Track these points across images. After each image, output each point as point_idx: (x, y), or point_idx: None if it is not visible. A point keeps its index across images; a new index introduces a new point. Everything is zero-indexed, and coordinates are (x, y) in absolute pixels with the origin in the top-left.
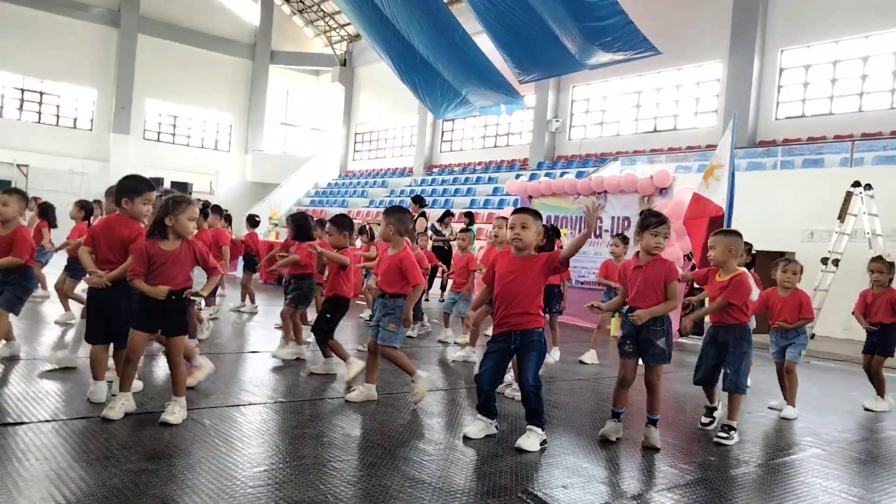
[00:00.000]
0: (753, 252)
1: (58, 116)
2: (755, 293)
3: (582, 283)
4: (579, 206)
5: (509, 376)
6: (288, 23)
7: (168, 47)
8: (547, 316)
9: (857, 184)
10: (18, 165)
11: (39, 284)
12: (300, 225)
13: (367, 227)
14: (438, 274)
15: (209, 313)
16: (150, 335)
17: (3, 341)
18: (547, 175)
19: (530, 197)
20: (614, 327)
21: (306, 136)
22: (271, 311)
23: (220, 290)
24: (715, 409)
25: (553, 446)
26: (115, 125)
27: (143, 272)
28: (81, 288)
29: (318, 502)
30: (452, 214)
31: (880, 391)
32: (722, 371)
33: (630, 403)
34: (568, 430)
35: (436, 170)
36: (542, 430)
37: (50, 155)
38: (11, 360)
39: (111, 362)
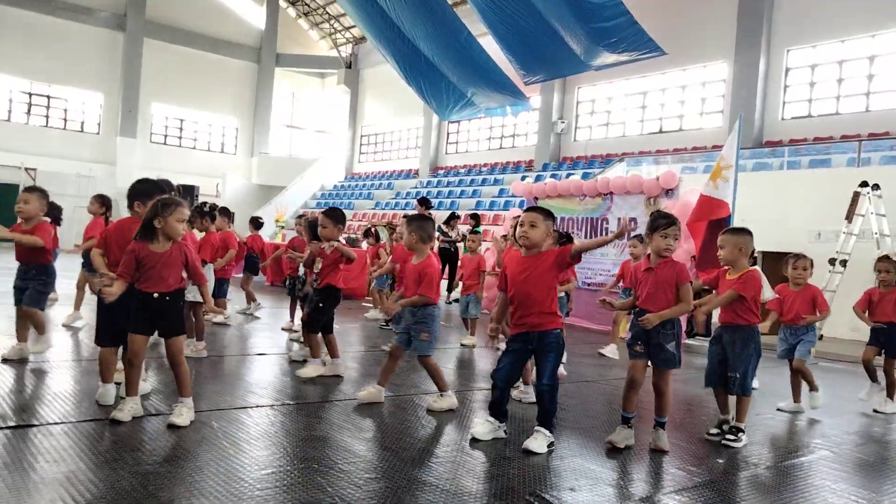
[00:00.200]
0: (755, 254)
1: (65, 120)
2: (767, 292)
3: (588, 285)
4: (585, 208)
5: None
6: (293, 26)
7: (174, 51)
8: None
9: (864, 184)
10: (26, 169)
11: None
12: (313, 232)
13: (373, 229)
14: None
15: (223, 317)
16: (148, 337)
17: (37, 335)
18: (552, 176)
19: (536, 198)
20: (622, 329)
21: (312, 138)
22: (277, 314)
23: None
24: (726, 421)
25: (560, 448)
26: (121, 129)
27: (128, 274)
28: None
29: None
30: (458, 216)
31: (890, 393)
32: (728, 375)
33: (639, 405)
34: (575, 432)
35: (441, 171)
36: (551, 432)
37: (57, 158)
38: (21, 361)
39: (120, 364)
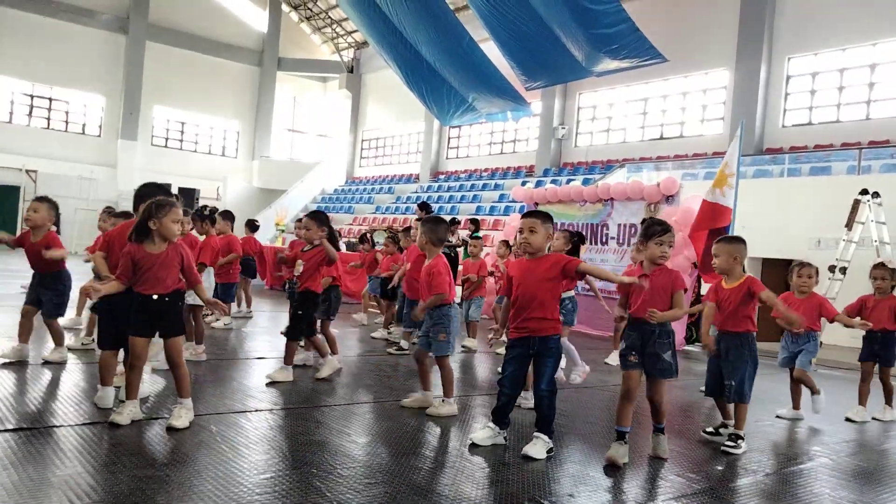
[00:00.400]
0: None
1: (66, 122)
2: None
3: (588, 291)
4: (586, 214)
5: None
6: (296, 30)
7: (176, 54)
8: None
9: (864, 192)
10: (27, 171)
11: None
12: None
13: (368, 234)
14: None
15: (224, 323)
16: (150, 339)
17: (55, 346)
18: (553, 182)
19: (536, 204)
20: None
21: (313, 142)
22: (276, 317)
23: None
24: (726, 426)
25: (560, 454)
26: (123, 131)
27: (126, 276)
28: None
29: None
30: (459, 221)
31: (889, 400)
32: (724, 383)
33: (637, 411)
34: (575, 439)
35: (442, 176)
36: (550, 438)
37: (58, 161)
38: (20, 364)
39: (120, 367)
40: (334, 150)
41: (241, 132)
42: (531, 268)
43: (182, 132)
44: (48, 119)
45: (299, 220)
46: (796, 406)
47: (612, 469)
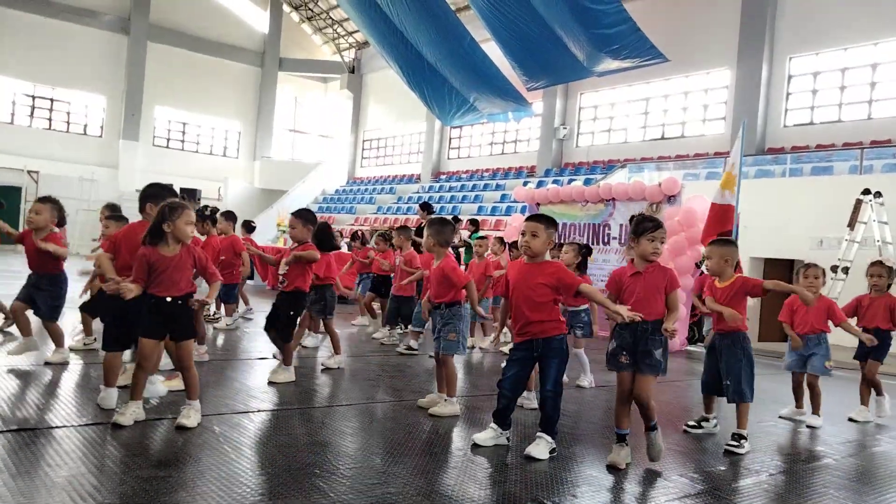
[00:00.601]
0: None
1: (68, 123)
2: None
3: None
4: (587, 214)
5: None
6: (297, 30)
7: (177, 55)
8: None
9: (866, 191)
10: (29, 172)
11: None
12: (321, 238)
13: (360, 233)
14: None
15: (227, 323)
16: (160, 341)
17: (55, 347)
18: (554, 182)
19: (538, 204)
20: None
21: (314, 142)
22: None
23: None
24: (707, 419)
25: (562, 455)
26: (124, 132)
27: (142, 279)
28: None
29: None
30: (460, 220)
31: (879, 391)
32: (723, 383)
33: (636, 411)
34: (577, 439)
35: (443, 177)
36: (553, 438)
37: (60, 161)
38: (25, 372)
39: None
40: (335, 151)
41: (243, 132)
42: (529, 271)
43: (183, 133)
44: (50, 120)
45: None
46: (799, 405)
47: (615, 470)
